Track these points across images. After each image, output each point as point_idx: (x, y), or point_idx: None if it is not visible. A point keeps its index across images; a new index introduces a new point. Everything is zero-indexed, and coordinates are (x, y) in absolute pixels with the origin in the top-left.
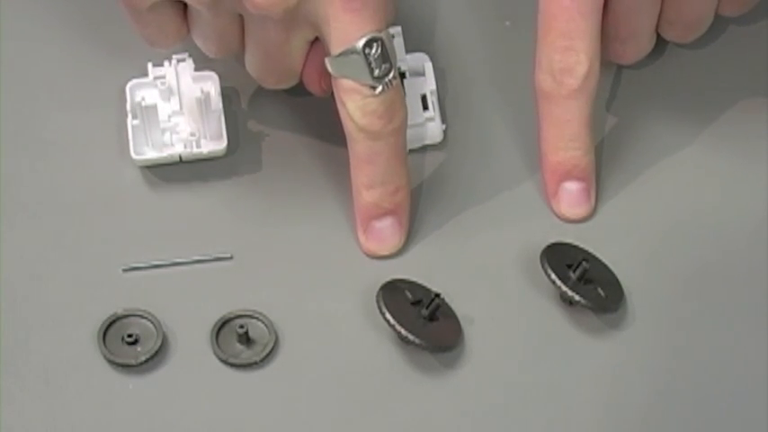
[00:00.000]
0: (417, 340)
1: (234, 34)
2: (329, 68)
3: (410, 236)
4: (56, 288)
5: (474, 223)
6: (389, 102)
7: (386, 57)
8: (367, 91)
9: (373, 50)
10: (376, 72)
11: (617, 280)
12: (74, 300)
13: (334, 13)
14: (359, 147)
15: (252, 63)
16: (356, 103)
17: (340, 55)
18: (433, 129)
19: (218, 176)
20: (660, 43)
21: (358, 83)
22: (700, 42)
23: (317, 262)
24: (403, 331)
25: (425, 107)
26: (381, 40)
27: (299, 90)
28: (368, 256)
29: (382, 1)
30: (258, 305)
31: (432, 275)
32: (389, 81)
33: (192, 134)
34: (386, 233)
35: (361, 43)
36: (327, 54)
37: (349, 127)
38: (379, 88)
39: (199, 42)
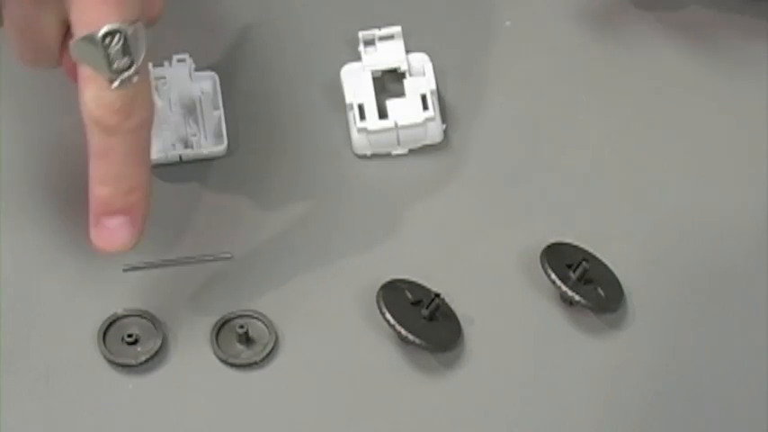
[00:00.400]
0: (417, 340)
1: None
2: (71, 52)
3: (410, 236)
4: (56, 288)
5: (474, 223)
6: (128, 98)
7: (126, 51)
8: (104, 83)
9: (114, 42)
10: (114, 65)
11: (617, 280)
12: (74, 300)
13: None
14: (93, 139)
15: (9, 37)
16: (92, 93)
17: (80, 40)
18: (432, 129)
19: (218, 176)
20: (660, 43)
21: (96, 73)
22: (700, 42)
23: (316, 262)
24: (403, 331)
25: (425, 107)
26: (123, 32)
27: (298, 90)
28: (96, 251)
29: None
30: (258, 305)
31: (432, 275)
32: (129, 77)
33: (192, 134)
34: (115, 233)
35: (101, 32)
36: (72, 36)
37: (84, 117)
38: (116, 83)
39: None
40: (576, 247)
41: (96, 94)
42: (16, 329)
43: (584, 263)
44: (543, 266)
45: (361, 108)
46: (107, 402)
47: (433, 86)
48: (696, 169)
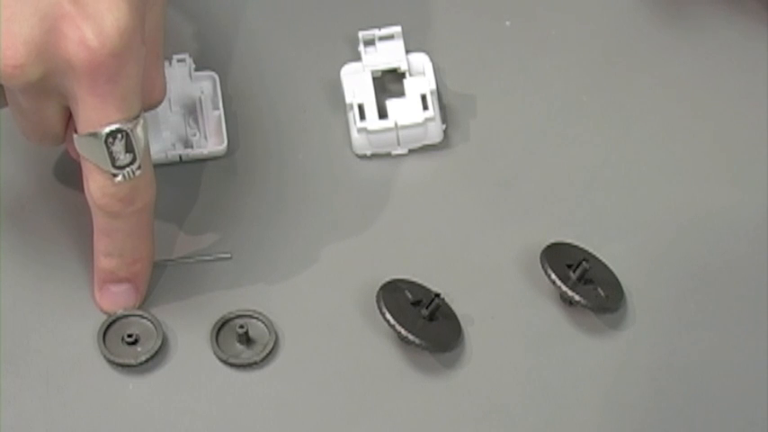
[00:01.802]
0: (417, 340)
1: None
2: (75, 145)
3: (410, 236)
4: (56, 288)
5: (474, 223)
6: (131, 188)
7: (130, 148)
8: (107, 175)
9: (116, 140)
10: (118, 161)
11: (617, 280)
12: (74, 300)
13: (82, 94)
14: (97, 219)
15: (14, 120)
16: (96, 184)
17: (83, 137)
18: (432, 129)
19: (218, 176)
20: (660, 43)
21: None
22: (700, 42)
23: (317, 262)
24: (403, 331)
25: (425, 107)
26: (126, 132)
27: (298, 90)
28: (101, 311)
29: (134, 88)
30: (258, 305)
31: (432, 275)
32: (132, 171)
33: (193, 134)
34: (120, 297)
35: (104, 131)
36: (76, 130)
37: (89, 200)
38: (119, 178)
39: None
40: (576, 247)
41: (100, 185)
42: (16, 329)
43: (584, 263)
44: (543, 266)
45: (361, 108)
46: (107, 402)
47: (433, 86)
48: (696, 169)
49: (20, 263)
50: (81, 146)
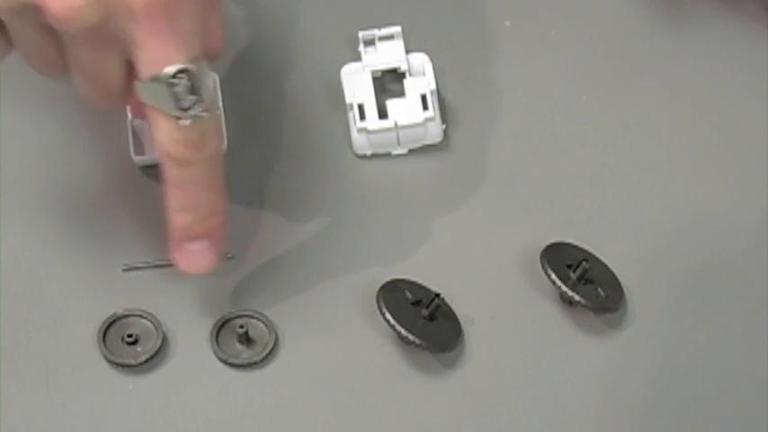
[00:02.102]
0: (417, 340)
1: (51, 50)
2: (137, 93)
3: (410, 236)
4: (56, 288)
5: (474, 223)
6: (199, 132)
7: (195, 89)
8: (174, 120)
9: (181, 81)
10: (183, 103)
11: (617, 280)
12: (74, 300)
13: (141, 35)
14: (168, 171)
15: (75, 81)
16: (163, 131)
17: (146, 82)
18: (432, 129)
19: None
20: (660, 43)
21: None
22: (700, 42)
23: (317, 262)
24: (403, 331)
25: (425, 107)
26: (188, 71)
27: (298, 90)
28: (181, 272)
29: (192, 27)
30: (258, 305)
31: (432, 275)
32: (198, 114)
33: None
34: (197, 256)
35: (167, 72)
36: (138, 77)
37: (158, 151)
38: (186, 121)
39: (24, 58)
40: (576, 247)
41: (168, 131)
42: (16, 329)
43: (584, 263)
44: (543, 266)
45: (361, 108)
46: (107, 402)
47: (433, 86)
48: (696, 169)
49: (20, 263)
50: (144, 93)
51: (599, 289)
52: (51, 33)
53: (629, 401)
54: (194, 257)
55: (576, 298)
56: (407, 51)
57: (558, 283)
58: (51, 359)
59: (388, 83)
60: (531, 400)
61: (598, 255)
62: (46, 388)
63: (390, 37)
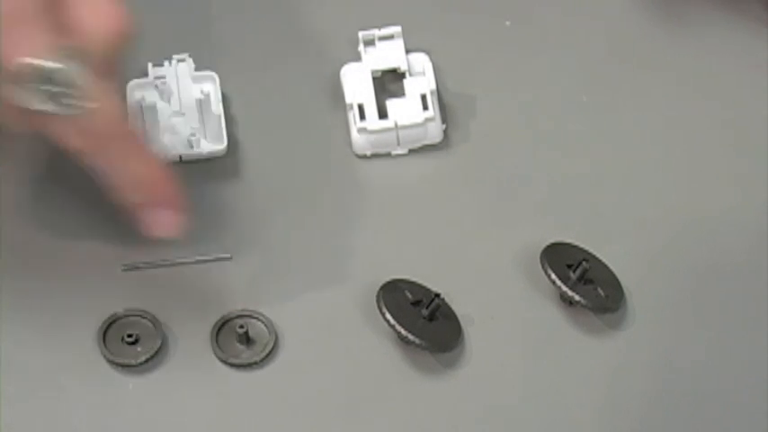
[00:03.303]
0: (417, 340)
1: None
2: (15, 100)
3: (410, 236)
4: (56, 288)
5: (474, 223)
6: (93, 119)
7: (56, 81)
8: (63, 118)
9: (33, 76)
10: (53, 98)
11: (617, 280)
12: (74, 300)
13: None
14: (92, 164)
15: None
16: (57, 129)
17: (11, 87)
18: (432, 129)
19: (218, 176)
20: (660, 43)
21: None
22: (700, 42)
23: (316, 262)
24: (403, 331)
25: (425, 107)
26: (34, 65)
27: (298, 90)
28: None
29: (37, 25)
30: (258, 305)
31: (432, 275)
32: (75, 103)
33: (192, 134)
34: (162, 224)
35: (18, 71)
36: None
37: (69, 150)
38: (69, 111)
39: None
40: (576, 247)
41: (61, 129)
42: (16, 329)
43: (584, 263)
44: (543, 266)
45: (361, 108)
46: (107, 402)
47: (433, 86)
48: (696, 169)
49: (20, 263)
50: (18, 98)
51: (599, 289)
52: None
53: (629, 401)
54: (160, 225)
55: (576, 298)
56: (407, 51)
57: (558, 283)
58: (51, 359)
59: (388, 83)
60: (531, 400)
61: (598, 255)
62: (46, 388)
63: (390, 37)
